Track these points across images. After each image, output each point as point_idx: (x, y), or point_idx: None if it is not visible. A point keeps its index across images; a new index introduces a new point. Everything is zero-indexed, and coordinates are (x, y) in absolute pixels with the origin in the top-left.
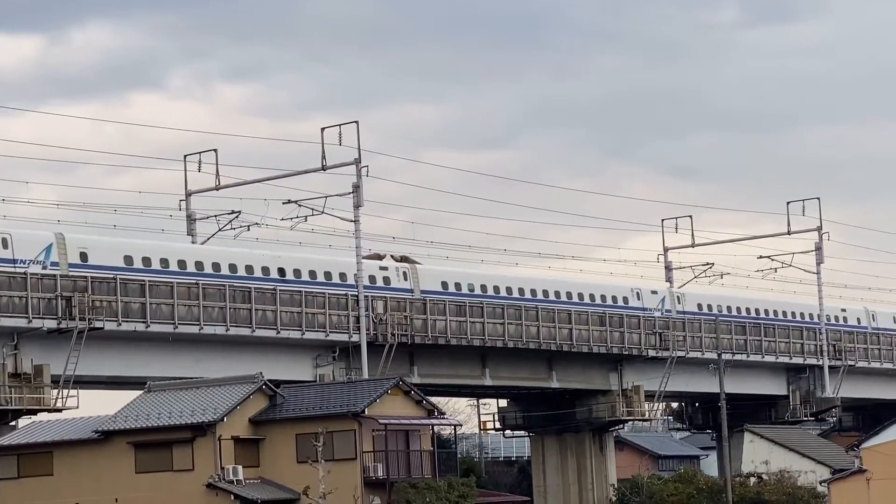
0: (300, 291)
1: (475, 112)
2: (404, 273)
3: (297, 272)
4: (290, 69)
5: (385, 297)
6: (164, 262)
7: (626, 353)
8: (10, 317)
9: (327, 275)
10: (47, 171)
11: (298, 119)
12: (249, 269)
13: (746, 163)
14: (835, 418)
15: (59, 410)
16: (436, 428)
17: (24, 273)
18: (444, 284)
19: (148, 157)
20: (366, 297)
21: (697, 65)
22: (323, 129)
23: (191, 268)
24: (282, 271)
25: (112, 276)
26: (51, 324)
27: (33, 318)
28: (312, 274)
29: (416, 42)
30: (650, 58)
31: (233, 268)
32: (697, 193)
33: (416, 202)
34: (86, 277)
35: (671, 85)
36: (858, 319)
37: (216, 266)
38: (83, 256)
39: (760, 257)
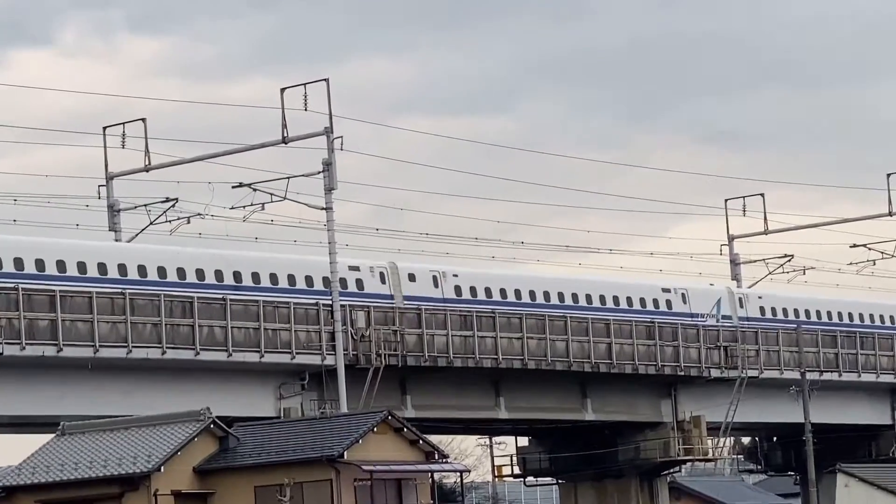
0: (257, 301)
1: (461, 68)
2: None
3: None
4: (216, 17)
5: (368, 307)
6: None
7: (682, 373)
8: None
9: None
10: None
11: (230, 80)
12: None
13: (815, 126)
14: None
15: None
16: (437, 475)
17: None
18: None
19: (46, 129)
20: (343, 307)
21: (741, 4)
22: (283, 91)
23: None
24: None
25: (11, 284)
26: None
27: None
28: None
29: None
30: None
31: (162, 272)
32: (752, 166)
33: (392, 181)
34: None
35: (709, 30)
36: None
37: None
38: None
39: (854, 246)
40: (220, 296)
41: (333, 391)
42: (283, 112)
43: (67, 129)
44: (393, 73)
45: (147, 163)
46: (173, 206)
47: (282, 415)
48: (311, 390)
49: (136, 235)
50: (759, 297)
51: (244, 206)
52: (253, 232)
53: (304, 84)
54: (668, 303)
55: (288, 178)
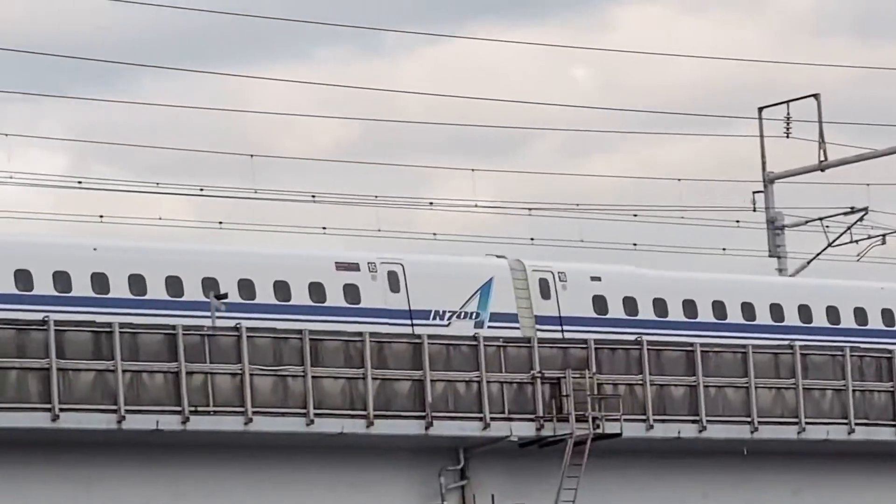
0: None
1: None
2: None
3: None
4: None
5: None
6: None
7: None
8: (455, 417)
9: None
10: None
11: None
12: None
13: None
14: None
15: None
16: None
17: None
18: None
19: (670, 112)
20: None
21: None
22: None
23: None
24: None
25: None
26: (524, 430)
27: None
28: None
29: None
30: None
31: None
32: None
33: None
34: (584, 342)
35: None
36: None
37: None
38: None
39: None
40: None
41: None
42: None
43: (699, 112)
44: None
45: (822, 158)
46: (861, 219)
47: None
48: None
49: (809, 263)
50: (595, 280)
51: None
52: None
53: None
54: (350, 290)
55: None
